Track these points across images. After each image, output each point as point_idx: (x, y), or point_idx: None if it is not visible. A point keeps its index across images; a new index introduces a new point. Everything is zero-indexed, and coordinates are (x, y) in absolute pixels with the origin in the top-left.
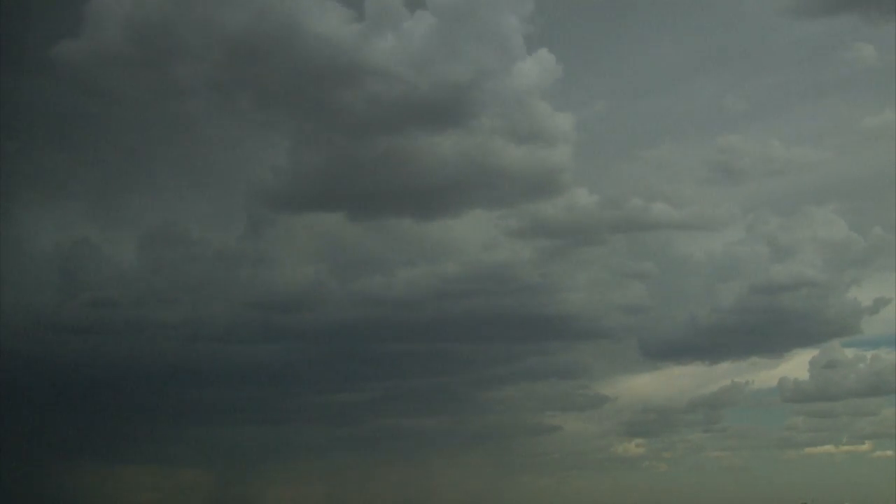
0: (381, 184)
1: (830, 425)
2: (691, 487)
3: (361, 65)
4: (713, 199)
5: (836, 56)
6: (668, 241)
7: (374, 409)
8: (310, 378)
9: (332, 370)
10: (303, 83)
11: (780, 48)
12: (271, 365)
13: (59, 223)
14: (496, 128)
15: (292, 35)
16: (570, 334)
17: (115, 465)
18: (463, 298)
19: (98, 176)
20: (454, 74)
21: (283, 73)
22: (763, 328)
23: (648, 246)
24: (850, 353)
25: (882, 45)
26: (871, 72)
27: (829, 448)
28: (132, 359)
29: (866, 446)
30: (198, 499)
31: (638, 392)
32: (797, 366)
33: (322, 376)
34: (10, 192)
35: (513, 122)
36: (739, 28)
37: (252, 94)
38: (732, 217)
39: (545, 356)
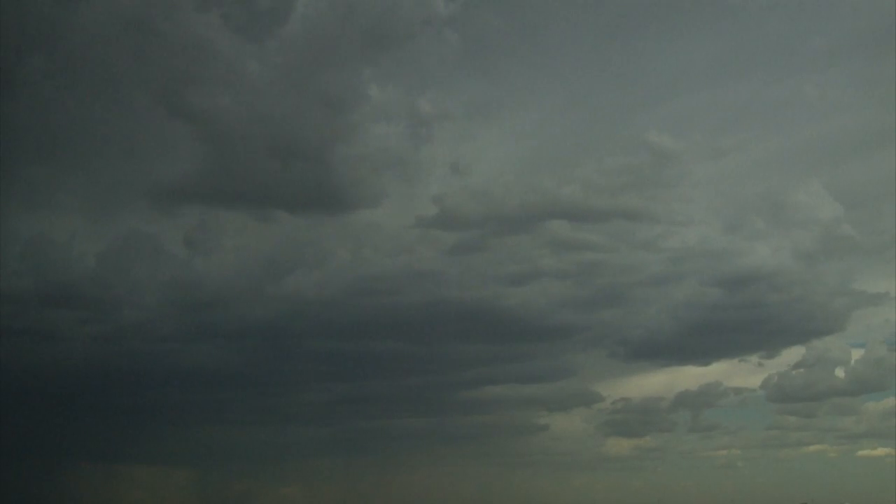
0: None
1: (820, 424)
2: (685, 487)
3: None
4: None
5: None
6: (617, 233)
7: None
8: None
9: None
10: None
11: None
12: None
13: None
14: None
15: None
16: (536, 333)
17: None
18: (393, 295)
19: None
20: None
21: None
22: (741, 326)
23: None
24: (839, 350)
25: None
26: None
27: (822, 447)
28: None
29: (858, 444)
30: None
31: (623, 392)
32: (787, 364)
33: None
34: None
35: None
36: None
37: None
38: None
39: (518, 359)
